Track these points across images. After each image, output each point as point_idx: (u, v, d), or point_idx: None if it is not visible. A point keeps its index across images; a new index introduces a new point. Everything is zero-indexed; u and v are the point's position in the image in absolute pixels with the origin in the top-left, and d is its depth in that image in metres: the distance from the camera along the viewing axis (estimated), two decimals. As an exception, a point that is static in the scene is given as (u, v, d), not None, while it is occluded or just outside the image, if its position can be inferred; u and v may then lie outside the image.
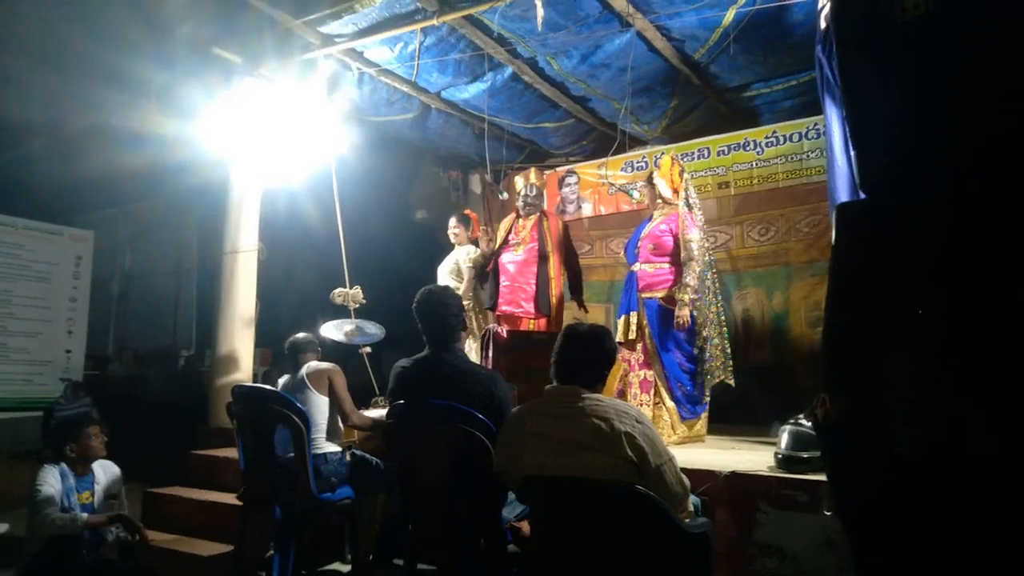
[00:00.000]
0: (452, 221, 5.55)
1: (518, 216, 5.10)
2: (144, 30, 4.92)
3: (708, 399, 4.35)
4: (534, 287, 4.87)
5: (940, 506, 0.93)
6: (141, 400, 7.57)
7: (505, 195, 5.25)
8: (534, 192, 5.07)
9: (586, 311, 5.19)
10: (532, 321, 4.88)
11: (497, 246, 5.04)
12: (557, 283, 4.97)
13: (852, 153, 3.55)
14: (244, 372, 4.95)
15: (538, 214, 5.07)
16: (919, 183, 0.96)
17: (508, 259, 4.97)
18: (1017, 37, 0.92)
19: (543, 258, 4.92)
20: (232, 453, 4.07)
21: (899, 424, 0.95)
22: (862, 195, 3.48)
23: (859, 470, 1.01)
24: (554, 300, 4.91)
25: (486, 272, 5.14)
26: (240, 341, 4.97)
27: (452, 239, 5.53)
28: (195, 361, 8.91)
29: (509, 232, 5.07)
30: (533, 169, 5.34)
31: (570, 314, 5.81)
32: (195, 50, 5.03)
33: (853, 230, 1.03)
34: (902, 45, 1.02)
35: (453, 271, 5.42)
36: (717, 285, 4.51)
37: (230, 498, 3.97)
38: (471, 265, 5.28)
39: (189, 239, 9.65)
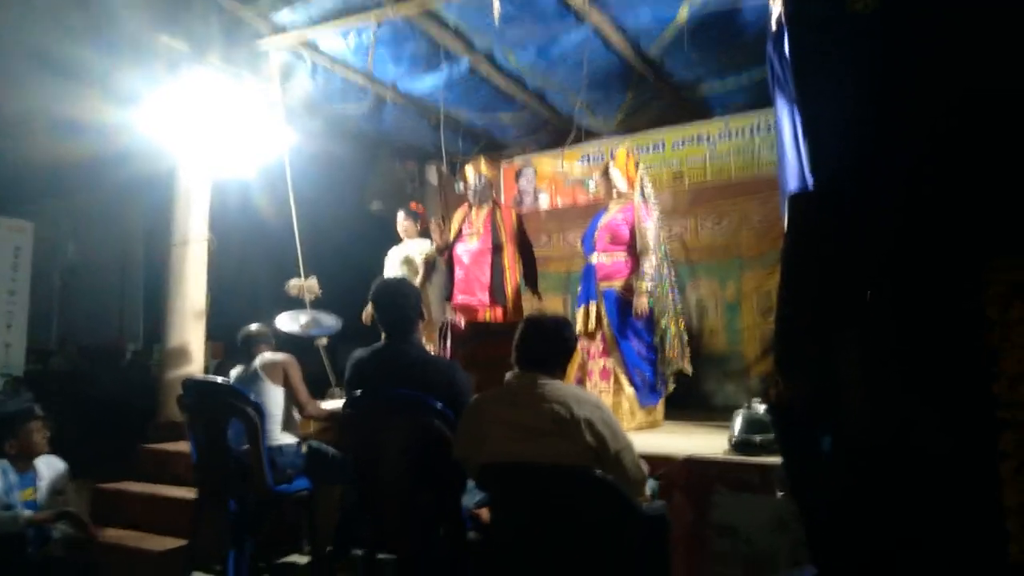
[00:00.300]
0: (400, 215, 5.52)
1: (470, 207, 5.10)
2: (83, 14, 4.74)
3: (667, 386, 4.44)
4: (489, 277, 4.88)
5: (890, 489, 0.97)
6: (87, 395, 7.34)
7: (461, 186, 5.24)
8: (484, 182, 5.08)
9: (540, 299, 5.22)
10: (488, 311, 4.89)
11: (451, 237, 5.03)
12: (512, 273, 5.01)
13: (802, 146, 3.66)
14: (195, 365, 4.85)
15: (490, 204, 5.09)
16: (869, 172, 1.01)
17: (462, 250, 4.97)
18: (964, 31, 0.97)
19: (497, 248, 4.93)
20: (183, 447, 3.99)
21: (849, 407, 0.99)
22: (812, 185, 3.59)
23: (811, 451, 1.05)
24: (509, 290, 4.93)
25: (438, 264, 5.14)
26: (191, 333, 4.86)
27: (401, 234, 5.51)
28: (143, 355, 8.68)
29: (462, 223, 5.07)
30: (483, 159, 5.33)
31: (528, 305, 5.85)
32: (138, 37, 4.87)
33: (803, 218, 1.08)
34: (853, 36, 1.06)
35: (406, 262, 5.39)
36: (673, 276, 4.59)
37: (182, 492, 3.90)
38: (425, 259, 5.27)
39: (135, 230, 9.38)
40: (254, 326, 3.76)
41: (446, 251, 5.02)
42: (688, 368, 4.43)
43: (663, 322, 4.35)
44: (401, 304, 2.82)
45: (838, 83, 1.07)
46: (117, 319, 9.61)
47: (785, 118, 3.78)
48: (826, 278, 1.01)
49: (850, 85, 1.06)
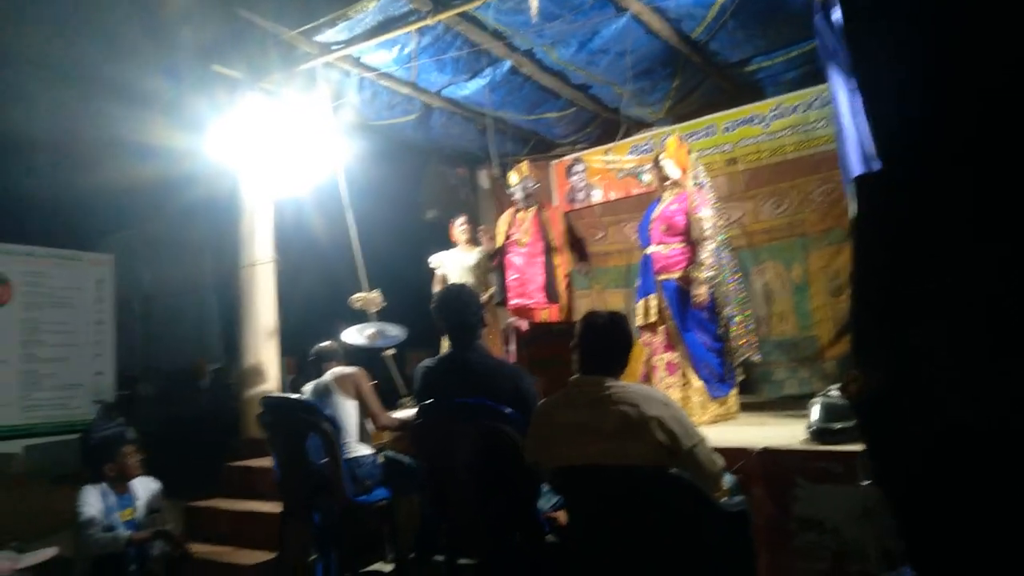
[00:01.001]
0: (462, 220, 5.56)
1: (517, 210, 5.16)
2: (150, 44, 4.98)
3: (737, 376, 4.34)
4: (543, 277, 4.97)
5: (1000, 474, 0.92)
6: (173, 416, 7.68)
7: (533, 186, 5.28)
8: (531, 185, 5.15)
9: (589, 267, 5.27)
10: (544, 311, 4.95)
11: (500, 242, 5.10)
12: (563, 271, 5.09)
13: (860, 119, 3.53)
14: (271, 382, 5.02)
15: (536, 206, 5.14)
16: (937, 149, 0.96)
17: (514, 253, 5.07)
18: None
19: (548, 249, 5.02)
20: (266, 462, 4.12)
21: (937, 394, 0.94)
22: (876, 164, 3.45)
23: (898, 443, 1.01)
24: (561, 287, 5.01)
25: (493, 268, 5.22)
26: (265, 352, 5.03)
27: (461, 237, 5.53)
28: (223, 374, 9.01)
29: (510, 227, 5.14)
30: (525, 162, 5.41)
31: (585, 303, 5.84)
32: (200, 66, 5.09)
33: (871, 201, 1.03)
34: (914, 9, 1.00)
35: (469, 271, 5.42)
36: (734, 262, 4.49)
37: (268, 506, 4.03)
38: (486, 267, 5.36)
39: (204, 253, 9.75)
40: (325, 343, 3.86)
41: (497, 257, 5.10)
42: (756, 355, 4.33)
43: (726, 311, 4.26)
44: (463, 311, 2.85)
45: (900, 49, 1.02)
46: (197, 341, 10.01)
47: (840, 90, 3.65)
48: (899, 260, 0.97)
49: (914, 51, 1.00)
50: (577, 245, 5.20)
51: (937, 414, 0.96)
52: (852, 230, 1.10)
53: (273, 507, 3.89)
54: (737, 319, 4.28)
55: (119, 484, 3.56)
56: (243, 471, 4.59)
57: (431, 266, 5.55)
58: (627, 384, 2.31)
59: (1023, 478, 0.91)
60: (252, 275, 5.07)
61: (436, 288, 5.45)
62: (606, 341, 2.36)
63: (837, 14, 3.47)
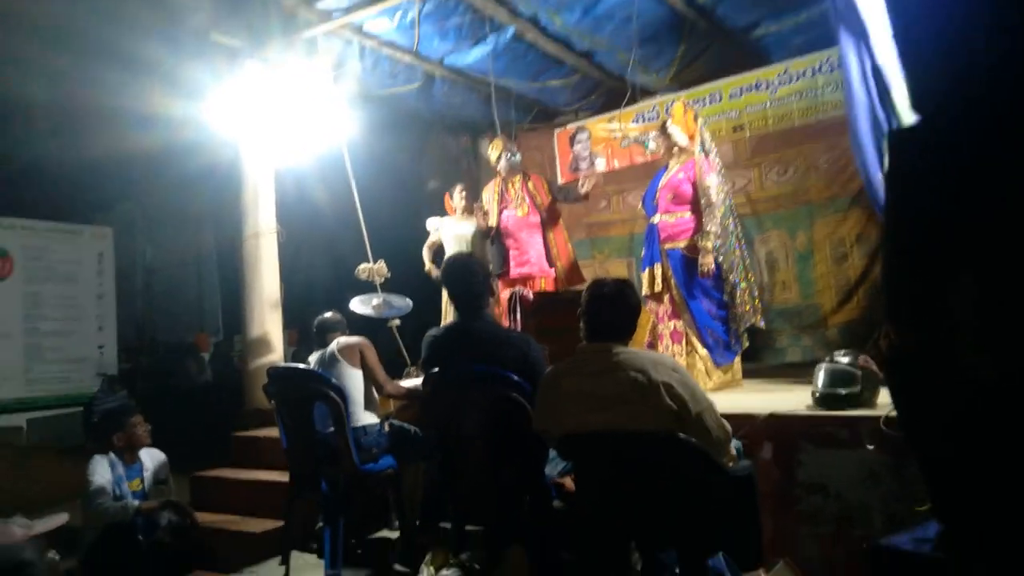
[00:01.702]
0: (460, 188, 5.53)
1: (504, 181, 5.12)
2: (149, 10, 4.87)
3: (743, 343, 4.35)
4: (542, 244, 4.97)
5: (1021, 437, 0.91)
6: (176, 388, 7.71)
7: (518, 156, 5.23)
8: (513, 155, 5.13)
9: (587, 196, 5.08)
10: (543, 280, 4.96)
11: (495, 214, 5.05)
12: (557, 237, 5.09)
13: (871, 83, 3.47)
14: (276, 353, 5.02)
15: (521, 174, 5.12)
16: (976, 102, 0.93)
17: (511, 222, 5.03)
18: None
19: (541, 216, 5.02)
20: (272, 432, 4.15)
21: (973, 352, 0.93)
22: (887, 125, 3.40)
23: (934, 402, 0.99)
24: (558, 254, 5.03)
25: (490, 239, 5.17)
26: (269, 324, 5.03)
27: (459, 204, 5.49)
28: (224, 346, 9.05)
29: (501, 197, 5.10)
30: (501, 136, 5.39)
31: (588, 272, 5.81)
32: (199, 33, 4.99)
33: (906, 156, 1.00)
34: None
35: (465, 241, 5.40)
36: (739, 229, 4.47)
37: (275, 475, 4.06)
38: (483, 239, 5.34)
39: (204, 226, 9.72)
40: (328, 314, 3.84)
41: (493, 229, 5.06)
42: (760, 322, 4.33)
43: (731, 277, 4.25)
44: (470, 281, 2.83)
45: (934, 6, 0.98)
46: (197, 314, 10.02)
47: (851, 53, 3.59)
48: (934, 215, 0.94)
49: (949, 8, 0.97)
50: (564, 190, 5.19)
51: (967, 373, 0.94)
52: (885, 184, 1.07)
53: (280, 476, 3.91)
54: (742, 285, 4.27)
55: (128, 454, 3.58)
56: (249, 441, 4.62)
57: (428, 228, 5.55)
58: (636, 350, 2.30)
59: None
60: (256, 246, 5.04)
61: (425, 252, 5.49)
62: (613, 308, 2.35)
63: (849, -26, 3.40)
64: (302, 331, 7.42)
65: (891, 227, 1.06)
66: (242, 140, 5.10)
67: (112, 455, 3.52)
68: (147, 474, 3.64)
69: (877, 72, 3.40)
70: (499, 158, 5.13)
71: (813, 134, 5.52)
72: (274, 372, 3.66)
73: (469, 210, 5.43)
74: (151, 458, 3.70)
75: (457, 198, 5.50)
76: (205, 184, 7.21)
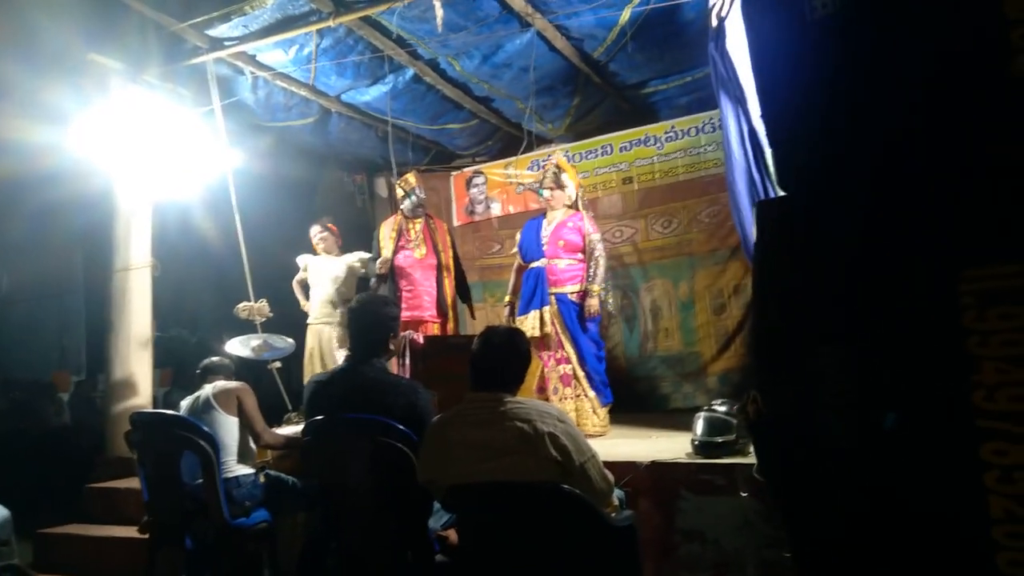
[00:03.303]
0: (317, 228, 5.44)
1: (406, 219, 5.08)
2: (6, 27, 4.49)
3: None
4: (435, 289, 4.92)
5: (878, 496, 0.95)
6: (27, 432, 6.99)
7: (423, 197, 5.21)
8: (420, 195, 5.11)
9: (473, 316, 5.35)
10: (436, 324, 4.91)
11: (391, 251, 4.96)
12: (450, 283, 5.07)
13: (748, 146, 3.71)
14: (143, 396, 4.65)
15: (424, 217, 5.11)
16: (837, 180, 0.99)
17: (407, 263, 4.95)
18: (925, 34, 0.96)
19: (439, 260, 4.99)
20: (133, 483, 3.82)
21: (834, 418, 0.97)
22: (762, 185, 3.61)
23: (795, 465, 1.03)
24: (450, 300, 5.01)
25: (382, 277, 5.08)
26: (137, 364, 4.66)
27: (320, 246, 5.41)
28: (86, 386, 8.34)
29: (400, 237, 5.02)
30: (413, 172, 5.38)
31: (480, 316, 5.82)
32: (66, 53, 4.66)
33: (774, 227, 1.05)
34: (815, 44, 1.04)
35: (333, 280, 5.30)
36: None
37: (134, 531, 3.70)
38: (367, 270, 5.25)
39: (72, 257, 9.02)
40: (215, 358, 3.63)
41: (385, 267, 4.96)
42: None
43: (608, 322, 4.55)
44: (375, 325, 2.75)
45: (800, 85, 1.05)
46: (58, 350, 9.22)
47: (730, 116, 3.82)
48: (799, 285, 0.99)
49: (813, 87, 1.04)
50: (457, 264, 5.20)
51: (824, 438, 0.98)
52: (754, 253, 1.12)
53: (139, 533, 3.58)
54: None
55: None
56: (106, 493, 4.22)
57: (298, 264, 5.40)
58: (524, 400, 2.29)
59: (899, 502, 0.95)
60: (126, 280, 4.70)
61: (297, 288, 5.35)
62: (504, 357, 2.34)
63: (730, 43, 3.64)
64: (177, 370, 6.96)
65: (758, 294, 1.11)
66: (115, 167, 4.78)
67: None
68: (-18, 534, 3.25)
69: (753, 135, 3.65)
70: (405, 196, 5.07)
71: (696, 189, 5.83)
72: (138, 418, 3.38)
73: (328, 250, 5.33)
74: (-12, 515, 3.31)
75: (315, 239, 5.42)
76: (75, 213, 6.68)
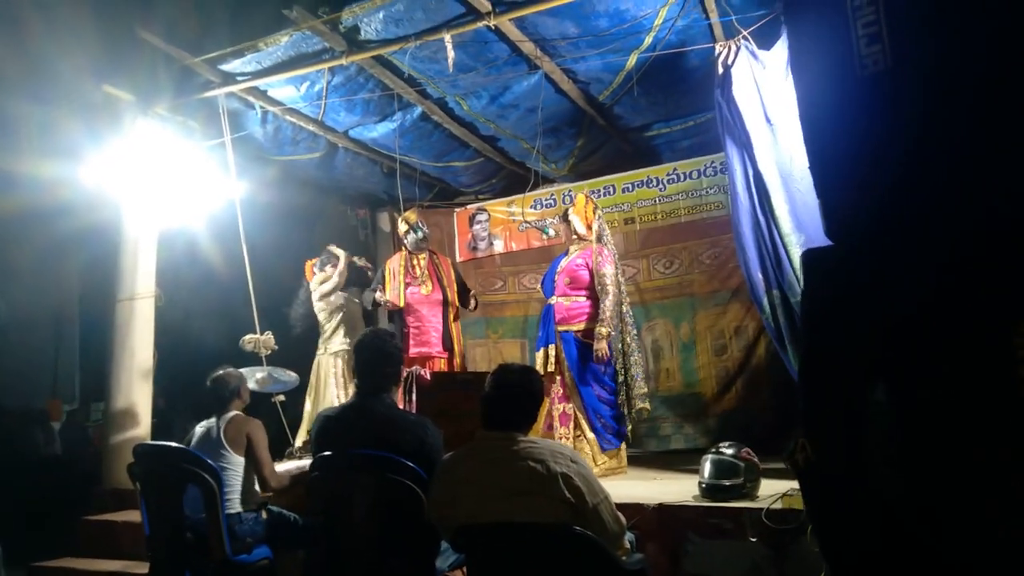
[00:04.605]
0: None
1: (410, 255, 5.13)
2: (18, 63, 4.55)
3: (628, 428, 4.45)
4: (442, 325, 4.95)
5: (926, 552, 0.96)
6: (17, 461, 6.88)
7: (427, 233, 5.28)
8: (424, 231, 5.21)
9: (476, 305, 5.34)
10: (443, 360, 4.91)
11: (401, 288, 5.01)
12: (456, 322, 5.13)
13: (753, 189, 3.77)
14: (143, 427, 4.60)
15: (428, 252, 5.16)
16: (888, 232, 1.02)
17: (415, 299, 5.00)
18: (974, 85, 1.00)
19: (444, 296, 5.03)
20: (131, 516, 3.76)
21: (884, 468, 0.98)
22: (767, 228, 3.65)
23: (843, 514, 1.04)
24: (456, 335, 5.03)
25: (377, 307, 5.17)
26: (138, 394, 4.62)
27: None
28: (79, 415, 8.23)
29: (406, 273, 5.08)
30: (414, 209, 5.51)
31: (481, 352, 5.81)
32: (80, 87, 4.72)
33: (821, 275, 1.07)
34: (864, 99, 1.08)
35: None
36: (631, 318, 4.65)
37: (132, 566, 3.66)
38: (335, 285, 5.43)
39: (70, 287, 8.99)
40: (224, 371, 3.52)
41: (390, 303, 5.02)
42: (647, 405, 4.48)
43: (620, 364, 4.41)
44: (381, 360, 2.76)
45: (849, 138, 1.08)
46: (51, 378, 9.13)
47: (736, 160, 3.90)
48: (847, 333, 1.01)
49: (862, 141, 1.07)
50: (463, 290, 5.26)
51: (876, 489, 0.99)
52: (801, 302, 1.14)
53: (138, 567, 3.53)
54: (632, 372, 4.42)
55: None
56: (104, 526, 4.15)
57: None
58: (536, 439, 2.28)
59: (952, 553, 0.95)
60: (130, 309, 4.69)
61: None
62: (516, 396, 2.33)
63: (736, 90, 3.72)
64: (168, 399, 6.88)
65: (807, 340, 1.12)
66: (124, 198, 4.81)
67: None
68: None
69: (759, 179, 3.72)
70: (407, 232, 5.13)
71: (698, 231, 5.90)
72: (142, 450, 3.34)
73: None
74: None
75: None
76: (76, 245, 6.70)
